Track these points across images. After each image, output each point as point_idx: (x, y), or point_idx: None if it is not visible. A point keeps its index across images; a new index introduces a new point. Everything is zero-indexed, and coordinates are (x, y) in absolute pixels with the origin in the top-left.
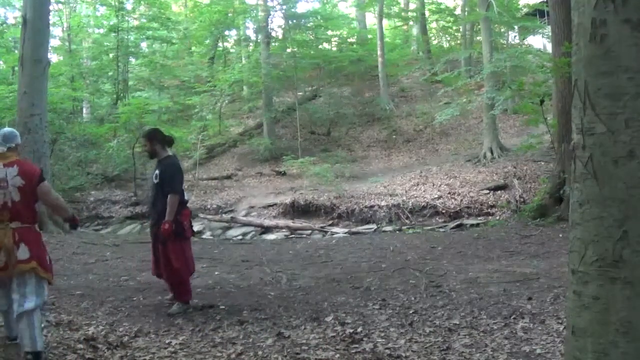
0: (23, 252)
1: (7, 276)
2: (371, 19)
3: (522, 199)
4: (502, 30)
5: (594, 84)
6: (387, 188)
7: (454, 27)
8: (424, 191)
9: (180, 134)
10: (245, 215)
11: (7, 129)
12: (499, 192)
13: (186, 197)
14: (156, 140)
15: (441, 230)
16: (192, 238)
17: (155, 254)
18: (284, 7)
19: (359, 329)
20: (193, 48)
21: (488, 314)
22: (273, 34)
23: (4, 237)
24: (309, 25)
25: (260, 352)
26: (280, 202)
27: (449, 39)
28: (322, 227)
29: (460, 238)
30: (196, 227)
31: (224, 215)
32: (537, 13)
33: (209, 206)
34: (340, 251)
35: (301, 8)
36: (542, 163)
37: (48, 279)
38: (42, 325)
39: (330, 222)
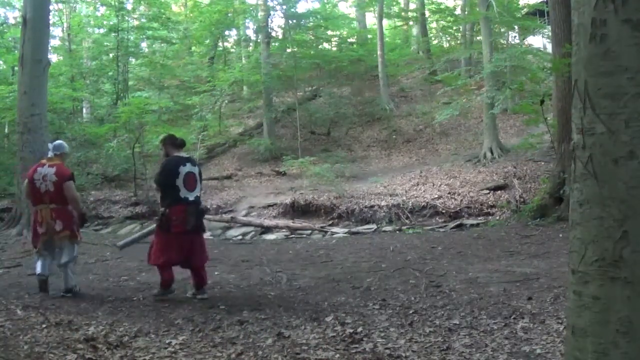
0: (59, 226)
1: (49, 239)
2: (371, 19)
3: (522, 199)
4: (502, 30)
5: (594, 84)
6: (387, 188)
7: (454, 27)
8: (424, 191)
9: (181, 134)
10: (245, 215)
11: (58, 141)
12: (499, 192)
13: (182, 195)
14: (166, 143)
15: (441, 230)
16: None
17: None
18: (284, 7)
19: (359, 329)
20: (193, 48)
21: (488, 314)
22: (273, 34)
23: (46, 213)
24: (309, 25)
25: (260, 352)
26: (280, 202)
27: (449, 39)
28: (322, 227)
29: (460, 238)
30: None
31: (223, 215)
32: (537, 13)
33: (209, 206)
34: (340, 251)
35: (301, 8)
36: (542, 163)
37: (78, 241)
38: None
39: (330, 222)
